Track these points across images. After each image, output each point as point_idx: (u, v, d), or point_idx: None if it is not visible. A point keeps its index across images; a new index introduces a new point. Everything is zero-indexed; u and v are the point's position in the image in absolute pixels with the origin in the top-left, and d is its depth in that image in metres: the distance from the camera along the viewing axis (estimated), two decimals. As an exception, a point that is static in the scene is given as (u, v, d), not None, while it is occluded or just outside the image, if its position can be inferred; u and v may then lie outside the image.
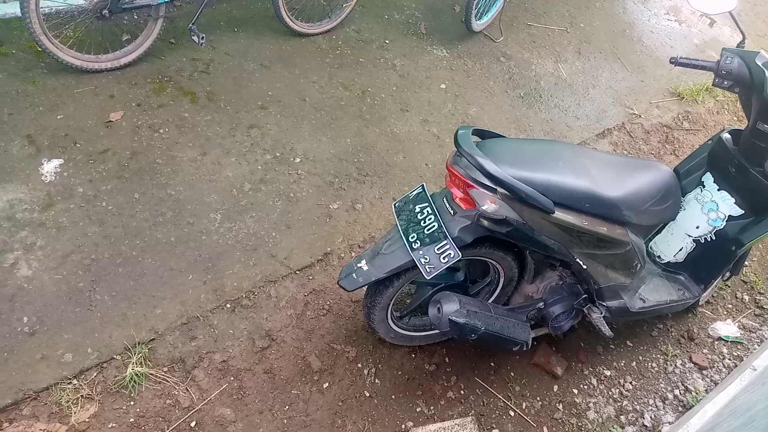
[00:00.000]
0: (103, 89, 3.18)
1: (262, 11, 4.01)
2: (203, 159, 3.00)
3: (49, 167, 2.76)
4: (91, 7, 3.10)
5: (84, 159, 2.84)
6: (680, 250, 2.63)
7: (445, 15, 4.54)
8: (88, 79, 3.20)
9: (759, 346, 2.89)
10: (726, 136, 2.46)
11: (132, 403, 2.19)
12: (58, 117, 2.97)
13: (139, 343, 2.30)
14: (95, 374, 2.22)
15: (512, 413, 2.47)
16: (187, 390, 2.26)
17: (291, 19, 3.80)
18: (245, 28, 3.87)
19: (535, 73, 4.26)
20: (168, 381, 2.26)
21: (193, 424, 2.18)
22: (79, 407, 2.13)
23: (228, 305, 2.51)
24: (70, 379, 2.18)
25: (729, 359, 2.85)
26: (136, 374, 2.21)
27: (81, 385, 2.17)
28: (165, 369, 2.29)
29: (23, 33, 3.19)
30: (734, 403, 2.36)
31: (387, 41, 4.14)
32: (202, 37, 3.39)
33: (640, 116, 4.15)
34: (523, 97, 4.03)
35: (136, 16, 3.60)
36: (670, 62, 2.42)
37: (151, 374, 2.25)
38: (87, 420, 2.12)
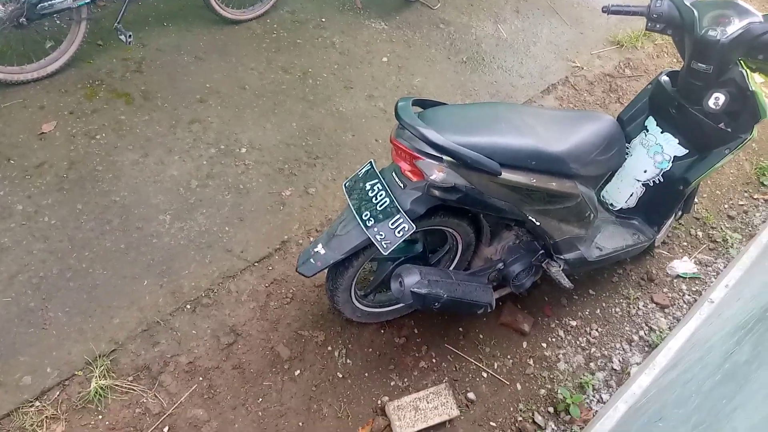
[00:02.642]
0: (32, 100, 3.05)
1: (190, 2, 3.88)
2: (145, 160, 2.91)
3: (-17, 187, 2.65)
4: (6, 16, 2.94)
5: (20, 175, 2.73)
6: (631, 195, 2.67)
7: (379, -13, 4.48)
8: (14, 92, 3.06)
9: (715, 279, 2.98)
10: (664, 78, 2.49)
11: (100, 417, 2.13)
12: (-13, 134, 2.84)
13: (100, 356, 2.24)
14: (58, 393, 2.15)
15: (485, 374, 2.50)
16: (156, 396, 2.21)
17: (221, 7, 3.69)
18: (175, 21, 3.74)
19: (475, 36, 4.24)
20: (135, 390, 2.21)
21: (165, 429, 2.14)
22: (45, 428, 2.07)
23: (188, 306, 2.46)
24: (31, 401, 2.11)
25: (688, 295, 2.93)
26: (101, 387, 2.16)
27: (44, 406, 2.11)
28: (130, 378, 2.23)
29: (-63, 51, 3.04)
30: (695, 337, 2.43)
31: (323, 19, 4.06)
32: (130, 35, 3.27)
33: (582, 68, 4.18)
34: (465, 62, 4.02)
35: (57, 21, 3.45)
36: (603, 11, 2.44)
37: (116, 386, 2.20)
38: (55, 440, 2.07)
